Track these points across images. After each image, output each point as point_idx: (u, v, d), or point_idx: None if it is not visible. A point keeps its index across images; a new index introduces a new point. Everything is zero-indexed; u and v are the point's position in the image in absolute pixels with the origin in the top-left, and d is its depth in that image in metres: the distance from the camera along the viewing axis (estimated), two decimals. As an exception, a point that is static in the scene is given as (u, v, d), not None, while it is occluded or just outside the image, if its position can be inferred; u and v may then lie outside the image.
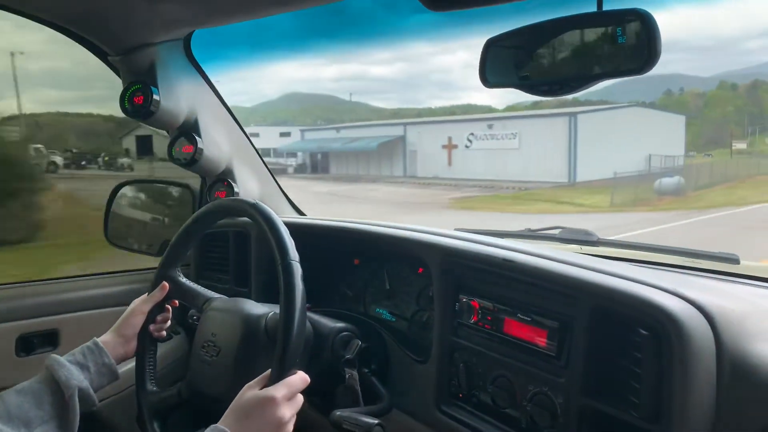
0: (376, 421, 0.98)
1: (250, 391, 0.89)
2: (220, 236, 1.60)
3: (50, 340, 1.55)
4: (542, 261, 0.99)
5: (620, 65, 0.79)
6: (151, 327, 1.13)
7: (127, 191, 1.82)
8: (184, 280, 1.16)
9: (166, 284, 1.14)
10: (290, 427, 0.90)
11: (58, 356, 1.01)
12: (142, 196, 1.90)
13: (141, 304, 1.13)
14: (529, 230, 1.57)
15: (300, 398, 0.92)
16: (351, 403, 1.11)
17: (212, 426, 0.85)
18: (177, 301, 1.17)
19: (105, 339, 1.08)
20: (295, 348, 0.90)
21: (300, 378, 0.91)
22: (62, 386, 0.96)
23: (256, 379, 0.90)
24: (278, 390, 0.88)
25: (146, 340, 1.13)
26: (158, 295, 1.14)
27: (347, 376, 1.11)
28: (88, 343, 1.06)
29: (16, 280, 1.59)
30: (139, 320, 1.12)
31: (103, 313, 1.63)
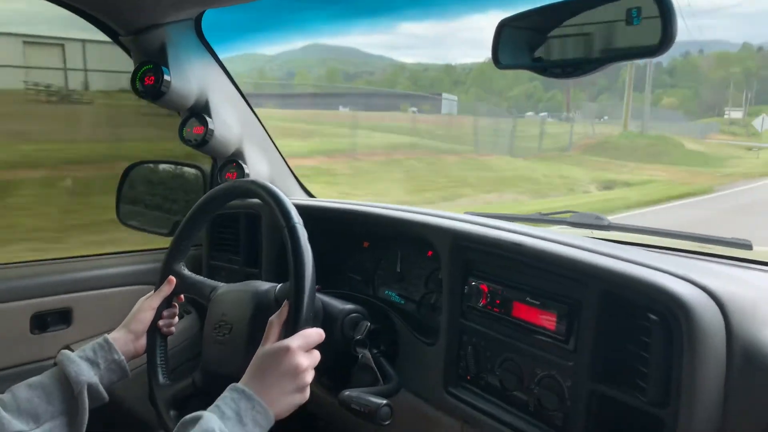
0: (384, 401, 0.99)
1: (265, 347, 0.90)
2: (231, 217, 1.61)
3: (63, 318, 1.57)
4: (552, 245, 0.99)
5: (634, 47, 0.78)
6: (160, 322, 1.14)
7: (140, 171, 1.83)
8: (188, 273, 1.18)
9: (173, 278, 1.15)
10: (309, 376, 0.90)
11: (68, 352, 1.01)
12: (154, 176, 1.90)
13: (149, 300, 1.14)
14: (540, 214, 1.56)
15: (317, 354, 0.93)
16: (366, 382, 1.12)
17: (231, 385, 0.86)
18: (183, 296, 1.18)
19: (115, 336, 1.08)
20: (308, 303, 0.92)
21: (315, 331, 0.93)
22: (72, 382, 0.97)
23: (270, 339, 0.92)
24: (293, 340, 0.89)
25: (156, 336, 1.14)
26: (166, 289, 1.14)
27: (360, 356, 1.12)
28: (99, 340, 1.06)
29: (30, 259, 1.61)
30: (148, 316, 1.12)
31: (115, 292, 1.65)
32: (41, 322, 1.53)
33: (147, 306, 1.13)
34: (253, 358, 0.90)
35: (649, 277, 0.83)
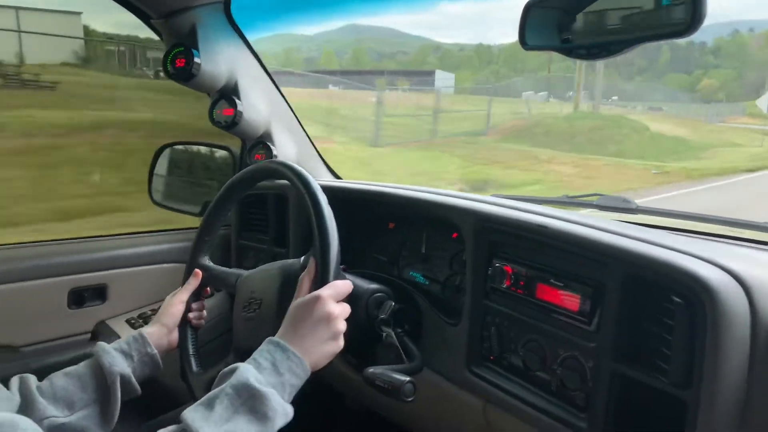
0: (408, 379, 1.01)
1: (297, 300, 0.94)
2: (259, 198, 1.64)
3: (99, 294, 1.63)
4: (576, 227, 0.99)
5: (663, 28, 0.76)
6: (190, 315, 1.17)
7: (170, 153, 1.87)
8: (213, 265, 1.21)
9: (199, 272, 1.18)
10: (341, 325, 0.93)
11: (104, 344, 1.05)
12: (184, 157, 1.94)
13: (178, 294, 1.17)
14: (567, 197, 1.56)
15: (347, 306, 0.95)
16: (389, 360, 1.14)
17: (267, 339, 0.89)
18: (209, 289, 1.22)
19: (149, 330, 1.11)
20: (334, 257, 0.96)
21: (344, 282, 0.96)
22: (105, 372, 1.00)
23: (301, 294, 0.95)
24: (323, 290, 0.92)
25: (187, 328, 1.17)
26: (193, 283, 1.18)
27: (384, 335, 1.14)
28: (134, 333, 1.09)
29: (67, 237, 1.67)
30: (178, 309, 1.15)
31: (148, 270, 1.70)
32: (78, 297, 1.59)
33: (176, 300, 1.16)
34: (287, 312, 0.93)
35: (673, 259, 0.82)
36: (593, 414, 0.92)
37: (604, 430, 0.90)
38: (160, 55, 1.48)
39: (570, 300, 0.97)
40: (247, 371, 0.81)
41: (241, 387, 0.79)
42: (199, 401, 0.79)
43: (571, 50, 0.89)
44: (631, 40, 0.81)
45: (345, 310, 0.95)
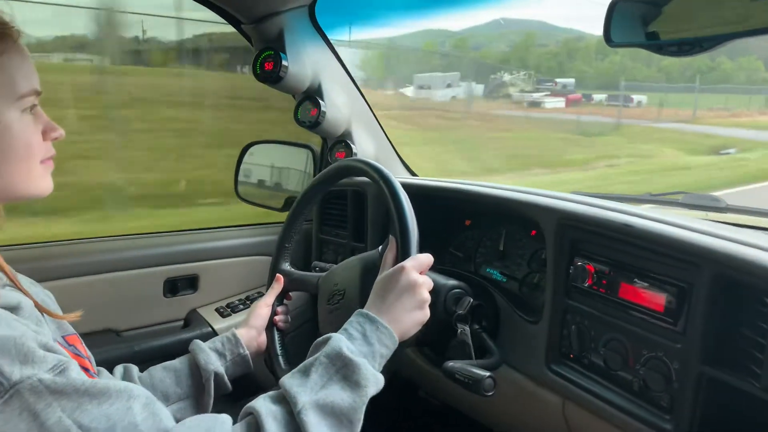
0: (488, 374, 1.02)
1: (382, 274, 0.97)
2: (339, 195, 1.70)
3: (191, 284, 1.73)
4: (663, 226, 0.97)
5: (759, 22, 0.74)
6: (276, 318, 1.23)
7: (255, 151, 1.96)
8: (294, 270, 1.28)
9: (281, 276, 1.25)
10: (426, 294, 0.95)
11: (200, 342, 1.12)
12: (268, 155, 2.02)
13: (264, 299, 1.24)
14: (651, 195, 1.52)
15: (430, 280, 0.98)
16: (462, 356, 1.16)
17: (356, 311, 0.92)
18: (291, 295, 1.28)
19: (240, 332, 1.17)
20: (414, 231, 1.00)
21: (425, 255, 0.98)
22: (201, 369, 1.07)
23: (386, 269, 0.99)
24: (406, 261, 0.95)
25: (273, 330, 1.23)
26: (276, 288, 1.24)
27: (459, 331, 1.15)
28: (227, 334, 1.15)
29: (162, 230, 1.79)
30: (265, 312, 1.21)
31: (234, 262, 1.79)
32: (172, 286, 1.70)
33: (263, 304, 1.22)
34: (373, 286, 0.97)
35: (766, 260, 0.80)
36: (678, 416, 0.90)
37: None
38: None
39: (655, 300, 0.95)
40: (339, 341, 0.85)
41: (335, 356, 0.83)
42: (295, 369, 0.84)
43: (661, 47, 0.87)
44: (724, 35, 0.79)
45: (428, 281, 0.97)
